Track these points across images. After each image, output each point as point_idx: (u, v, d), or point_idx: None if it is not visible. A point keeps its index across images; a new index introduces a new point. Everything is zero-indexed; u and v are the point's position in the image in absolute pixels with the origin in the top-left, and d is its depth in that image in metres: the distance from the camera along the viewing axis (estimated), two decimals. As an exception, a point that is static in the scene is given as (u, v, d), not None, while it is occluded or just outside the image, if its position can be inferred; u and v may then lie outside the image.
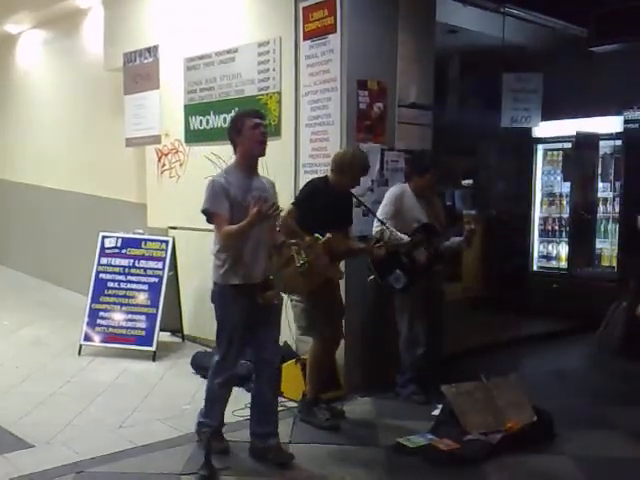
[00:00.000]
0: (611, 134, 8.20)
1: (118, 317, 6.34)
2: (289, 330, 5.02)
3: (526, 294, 8.37)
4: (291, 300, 4.60)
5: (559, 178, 8.63)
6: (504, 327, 7.37)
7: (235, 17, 6.12)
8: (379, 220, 4.80)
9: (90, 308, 6.40)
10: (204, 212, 3.89)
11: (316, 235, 4.16)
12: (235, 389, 5.07)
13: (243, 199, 3.84)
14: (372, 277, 4.92)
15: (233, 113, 5.82)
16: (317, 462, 4.06)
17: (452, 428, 4.27)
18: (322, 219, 4.32)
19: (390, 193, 5.06)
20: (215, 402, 4.12)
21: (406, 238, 4.82)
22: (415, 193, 5.04)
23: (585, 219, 8.42)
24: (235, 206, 3.84)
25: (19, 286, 9.76)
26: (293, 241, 4.01)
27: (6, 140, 10.86)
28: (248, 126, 3.90)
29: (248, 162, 3.98)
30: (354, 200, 4.82)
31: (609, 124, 8.15)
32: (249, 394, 5.05)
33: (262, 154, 3.98)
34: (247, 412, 4.66)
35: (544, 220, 8.79)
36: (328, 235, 4.18)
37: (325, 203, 4.42)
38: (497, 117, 8.00)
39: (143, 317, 6.28)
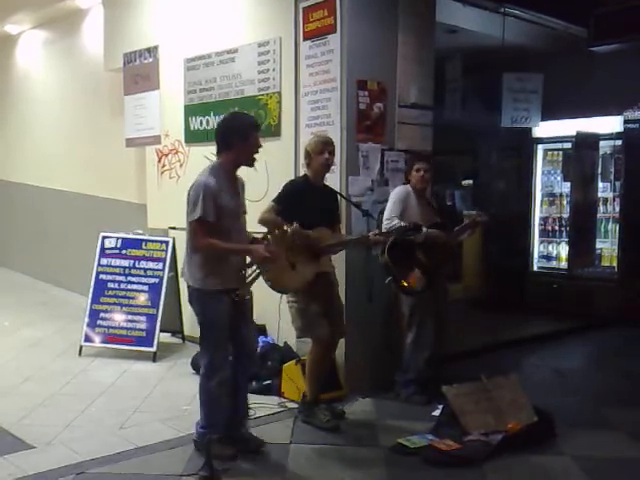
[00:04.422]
0: (611, 134, 8.22)
1: (118, 318, 6.34)
2: (282, 330, 5.07)
3: (526, 294, 8.38)
4: (287, 302, 4.59)
5: (559, 178, 8.65)
6: (504, 327, 7.36)
7: (235, 17, 6.12)
8: (361, 210, 4.81)
9: (90, 309, 6.40)
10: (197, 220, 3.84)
11: (285, 227, 4.16)
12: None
13: (230, 205, 3.90)
14: (390, 279, 4.81)
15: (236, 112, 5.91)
16: (317, 463, 4.06)
17: (452, 429, 4.27)
18: (306, 216, 4.33)
19: (396, 192, 5.09)
20: (216, 404, 4.03)
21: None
22: (415, 192, 5.06)
23: (585, 219, 8.42)
24: (223, 212, 3.85)
25: (19, 287, 9.76)
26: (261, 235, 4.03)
27: (6, 141, 10.86)
28: (255, 139, 3.95)
29: (236, 168, 4.03)
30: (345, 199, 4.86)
31: (609, 124, 8.16)
32: (250, 395, 5.06)
33: (252, 166, 4.06)
34: (248, 413, 4.68)
35: (544, 220, 8.80)
36: (293, 226, 4.17)
37: (307, 200, 4.43)
38: (497, 117, 8.01)
39: (143, 318, 6.28)
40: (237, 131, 3.95)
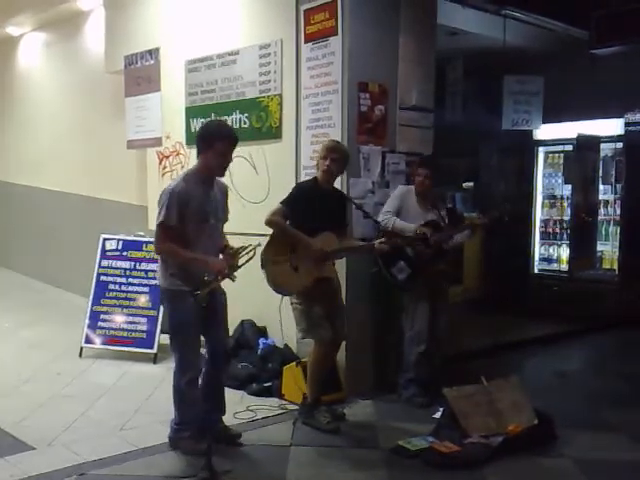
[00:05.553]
0: (612, 136, 8.22)
1: (119, 319, 6.34)
2: (284, 332, 5.06)
3: (527, 296, 8.37)
4: (291, 303, 4.61)
5: (560, 180, 8.65)
6: (505, 329, 7.36)
7: (236, 19, 6.12)
8: (365, 213, 4.86)
9: (91, 310, 6.40)
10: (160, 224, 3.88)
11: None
12: (235, 392, 5.11)
13: (200, 212, 3.92)
14: (376, 269, 4.92)
15: (235, 114, 5.95)
16: (318, 464, 4.06)
17: (453, 431, 4.27)
18: (313, 219, 4.39)
19: (397, 190, 5.19)
20: (188, 402, 4.11)
21: (412, 226, 4.92)
22: (417, 193, 5.08)
23: (586, 221, 8.42)
24: (190, 218, 3.89)
25: (20, 288, 9.75)
26: (233, 247, 4.00)
27: (7, 142, 10.87)
28: (218, 149, 3.91)
29: (209, 175, 4.02)
30: (352, 203, 4.87)
31: (610, 126, 8.17)
32: (251, 397, 5.11)
33: (222, 176, 4.08)
34: (249, 415, 4.71)
35: (545, 222, 8.81)
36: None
37: (314, 203, 4.46)
38: (498, 119, 8.01)
39: (144, 319, 6.28)
40: (205, 137, 3.99)
